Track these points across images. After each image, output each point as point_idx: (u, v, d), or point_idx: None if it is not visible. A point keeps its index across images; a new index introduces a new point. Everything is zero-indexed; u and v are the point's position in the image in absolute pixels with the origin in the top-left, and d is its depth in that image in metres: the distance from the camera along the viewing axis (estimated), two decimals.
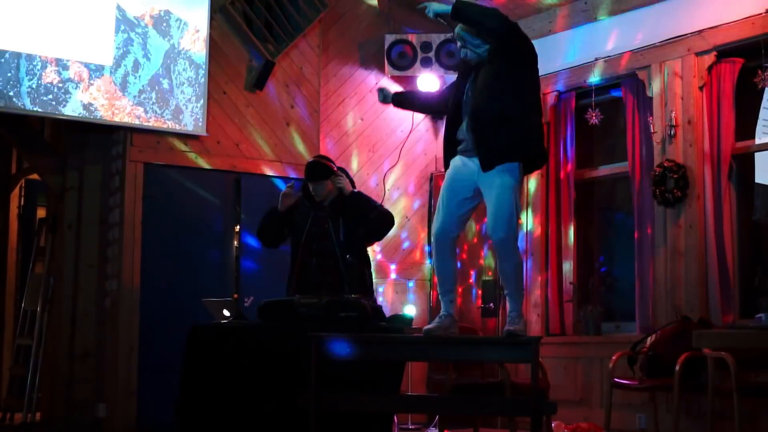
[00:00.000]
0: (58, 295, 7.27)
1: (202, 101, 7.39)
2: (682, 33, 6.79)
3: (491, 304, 7.73)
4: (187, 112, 7.33)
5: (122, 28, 7.13)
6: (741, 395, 5.32)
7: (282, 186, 6.37)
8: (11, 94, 6.71)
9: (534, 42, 4.81)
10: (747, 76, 6.52)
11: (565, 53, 7.57)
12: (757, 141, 6.49)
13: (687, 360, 5.75)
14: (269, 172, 7.65)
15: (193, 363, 5.20)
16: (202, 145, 7.44)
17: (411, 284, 8.18)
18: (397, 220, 6.21)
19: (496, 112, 4.55)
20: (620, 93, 7.25)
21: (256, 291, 6.93)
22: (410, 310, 7.74)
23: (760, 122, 6.41)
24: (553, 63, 7.52)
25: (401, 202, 8.25)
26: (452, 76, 7.28)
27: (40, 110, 6.86)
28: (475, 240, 7.97)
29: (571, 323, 7.38)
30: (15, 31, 6.74)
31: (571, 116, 7.54)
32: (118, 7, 7.12)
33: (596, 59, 7.31)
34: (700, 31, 6.70)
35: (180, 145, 7.35)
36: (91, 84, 6.99)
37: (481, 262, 7.91)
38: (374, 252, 7.86)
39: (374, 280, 6.12)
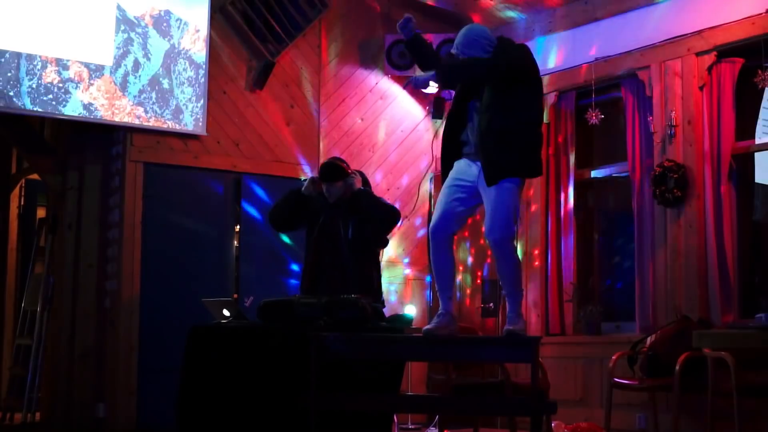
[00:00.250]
0: (58, 295, 7.26)
1: (202, 101, 7.39)
2: (682, 33, 6.80)
3: (491, 304, 7.73)
4: (187, 112, 7.33)
5: (122, 28, 7.13)
6: (741, 395, 5.32)
7: (282, 186, 6.36)
8: (11, 93, 6.71)
9: (534, 42, 4.80)
10: (747, 76, 6.52)
11: (566, 53, 7.57)
12: (757, 141, 6.50)
13: (687, 360, 5.76)
14: (269, 172, 7.65)
15: (192, 363, 5.19)
16: (202, 145, 7.44)
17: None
18: None
19: (501, 129, 4.54)
20: (620, 93, 7.26)
21: (256, 291, 6.94)
22: (410, 310, 7.74)
23: (760, 122, 6.43)
24: (553, 63, 7.53)
25: (400, 203, 8.23)
26: None
27: (40, 110, 6.86)
28: (482, 241, 7.95)
29: (571, 323, 7.39)
30: (15, 31, 6.74)
31: (571, 116, 7.54)
32: (119, 7, 7.11)
33: (596, 59, 7.31)
34: (700, 31, 6.70)
35: (180, 145, 7.35)
36: (91, 84, 6.99)
37: (489, 261, 7.91)
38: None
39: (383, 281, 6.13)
